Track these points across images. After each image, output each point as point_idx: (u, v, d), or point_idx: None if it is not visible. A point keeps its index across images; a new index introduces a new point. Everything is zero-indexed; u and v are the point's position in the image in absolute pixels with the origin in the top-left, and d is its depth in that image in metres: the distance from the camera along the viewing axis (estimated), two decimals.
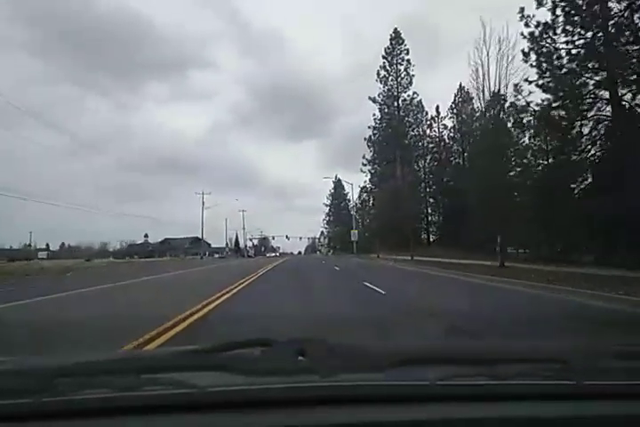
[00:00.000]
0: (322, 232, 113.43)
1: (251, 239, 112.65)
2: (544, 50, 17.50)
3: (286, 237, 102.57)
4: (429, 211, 53.56)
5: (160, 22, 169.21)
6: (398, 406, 0.90)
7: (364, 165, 59.36)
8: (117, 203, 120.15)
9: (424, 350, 1.38)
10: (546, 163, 21.76)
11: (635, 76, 15.94)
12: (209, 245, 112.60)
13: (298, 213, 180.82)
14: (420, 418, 0.87)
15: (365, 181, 61.00)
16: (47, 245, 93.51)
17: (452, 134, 52.09)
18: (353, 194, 54.76)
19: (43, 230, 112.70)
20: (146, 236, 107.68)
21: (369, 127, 57.53)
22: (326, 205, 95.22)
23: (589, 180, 19.67)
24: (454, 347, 1.64)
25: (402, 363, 1.04)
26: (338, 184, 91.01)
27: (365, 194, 64.86)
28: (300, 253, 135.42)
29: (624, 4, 15.94)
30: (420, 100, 55.59)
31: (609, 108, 17.33)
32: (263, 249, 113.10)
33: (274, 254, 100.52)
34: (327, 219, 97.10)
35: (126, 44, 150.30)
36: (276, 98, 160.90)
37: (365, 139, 58.55)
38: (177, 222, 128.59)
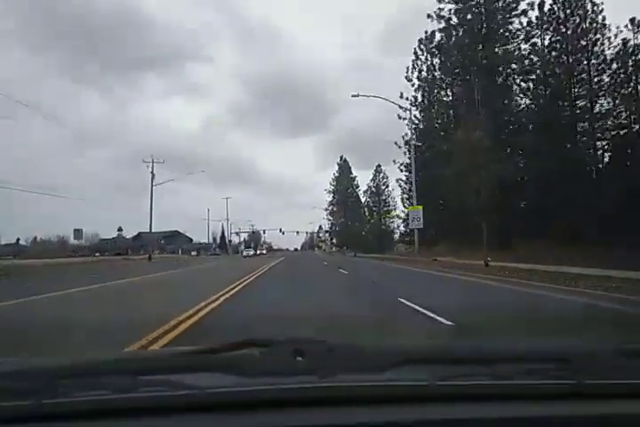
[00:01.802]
0: (320, 226, 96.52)
1: (237, 233, 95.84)
2: None
3: (280, 230, 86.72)
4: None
5: (160, 17, 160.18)
6: (398, 407, 0.94)
7: (405, 109, 33.70)
8: (105, 197, 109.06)
9: (424, 350, 1.40)
10: None
11: None
12: (190, 240, 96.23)
13: (295, 208, 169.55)
14: (419, 418, 0.91)
15: (404, 136, 37.30)
16: (17, 239, 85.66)
17: (563, 46, 29.34)
18: (411, 118, 31.52)
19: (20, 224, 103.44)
20: (120, 229, 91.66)
21: (428, 16, 34.81)
22: (329, 192, 77.34)
23: None
24: (454, 347, 1.68)
25: (401, 363, 1.08)
26: (344, 166, 74.06)
27: (408, 155, 34.24)
28: (296, 249, 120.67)
29: None
30: None
31: None
32: (253, 244, 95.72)
33: (253, 253, 72.28)
34: (330, 209, 79.05)
35: (123, 37, 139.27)
36: (273, 93, 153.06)
37: (418, 47, 37.06)
38: (162, 215, 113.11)
